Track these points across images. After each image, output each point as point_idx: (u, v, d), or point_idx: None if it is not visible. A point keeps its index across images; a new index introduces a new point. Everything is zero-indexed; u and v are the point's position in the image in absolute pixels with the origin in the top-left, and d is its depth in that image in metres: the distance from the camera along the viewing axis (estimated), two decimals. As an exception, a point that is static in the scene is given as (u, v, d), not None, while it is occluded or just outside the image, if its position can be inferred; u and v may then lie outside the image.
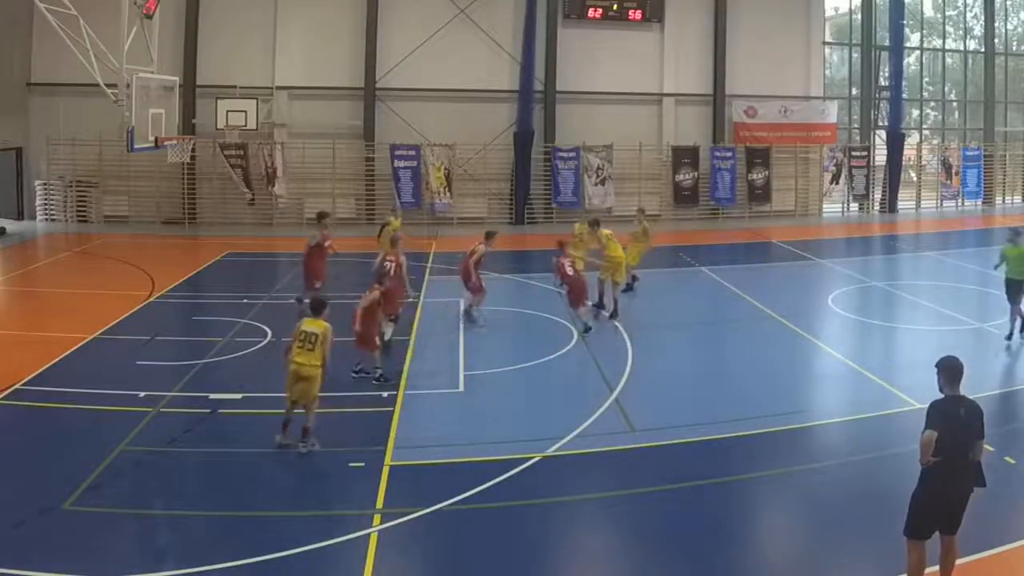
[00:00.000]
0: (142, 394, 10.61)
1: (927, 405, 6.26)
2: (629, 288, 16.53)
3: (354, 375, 11.30)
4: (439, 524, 7.61)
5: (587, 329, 13.83)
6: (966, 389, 6.31)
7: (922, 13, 32.45)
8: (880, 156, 30.74)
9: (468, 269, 14.32)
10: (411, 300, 14.21)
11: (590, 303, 14.62)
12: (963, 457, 6.10)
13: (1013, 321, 13.29)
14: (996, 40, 32.62)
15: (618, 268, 15.22)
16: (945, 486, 6.10)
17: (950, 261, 21.23)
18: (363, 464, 8.76)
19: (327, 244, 14.78)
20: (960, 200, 31.87)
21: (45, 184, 25.65)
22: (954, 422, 6.07)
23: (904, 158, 30.89)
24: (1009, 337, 13.28)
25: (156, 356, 12.42)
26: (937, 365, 6.40)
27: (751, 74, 28.86)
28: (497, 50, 27.09)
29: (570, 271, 13.91)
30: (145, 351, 12.63)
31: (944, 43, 33.44)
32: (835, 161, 29.74)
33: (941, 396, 6.28)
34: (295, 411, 9.17)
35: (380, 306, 11.22)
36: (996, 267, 13.71)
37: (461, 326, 14.21)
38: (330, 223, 15.50)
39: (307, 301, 15.26)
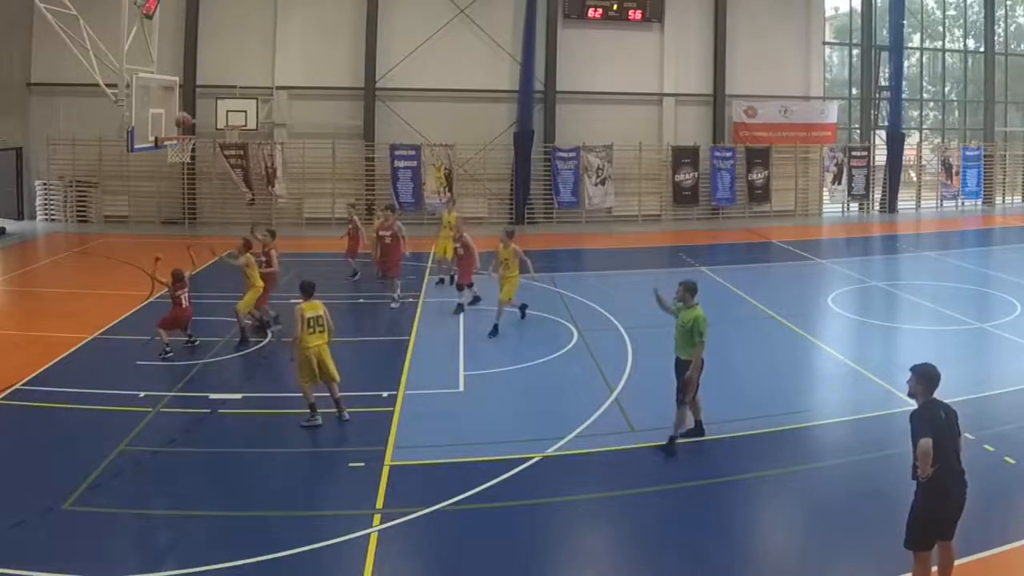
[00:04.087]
0: (142, 394, 10.62)
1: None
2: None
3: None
4: (439, 524, 7.60)
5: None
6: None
7: (922, 13, 32.43)
8: (880, 156, 30.72)
9: None
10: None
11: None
12: (957, 460, 6.07)
13: (679, 427, 9.24)
14: (996, 40, 32.61)
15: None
16: (947, 493, 6.04)
17: (950, 261, 21.21)
18: (363, 464, 8.76)
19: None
20: (960, 200, 31.88)
21: (45, 184, 25.66)
22: (940, 426, 6.03)
23: (904, 158, 30.89)
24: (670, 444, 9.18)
25: (156, 356, 12.42)
26: (914, 370, 6.26)
27: (751, 74, 28.85)
28: (497, 50, 27.09)
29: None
30: (145, 351, 12.63)
31: (944, 43, 33.44)
32: (835, 161, 29.74)
33: (917, 405, 6.18)
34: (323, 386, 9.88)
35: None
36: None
37: (461, 326, 14.19)
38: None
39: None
